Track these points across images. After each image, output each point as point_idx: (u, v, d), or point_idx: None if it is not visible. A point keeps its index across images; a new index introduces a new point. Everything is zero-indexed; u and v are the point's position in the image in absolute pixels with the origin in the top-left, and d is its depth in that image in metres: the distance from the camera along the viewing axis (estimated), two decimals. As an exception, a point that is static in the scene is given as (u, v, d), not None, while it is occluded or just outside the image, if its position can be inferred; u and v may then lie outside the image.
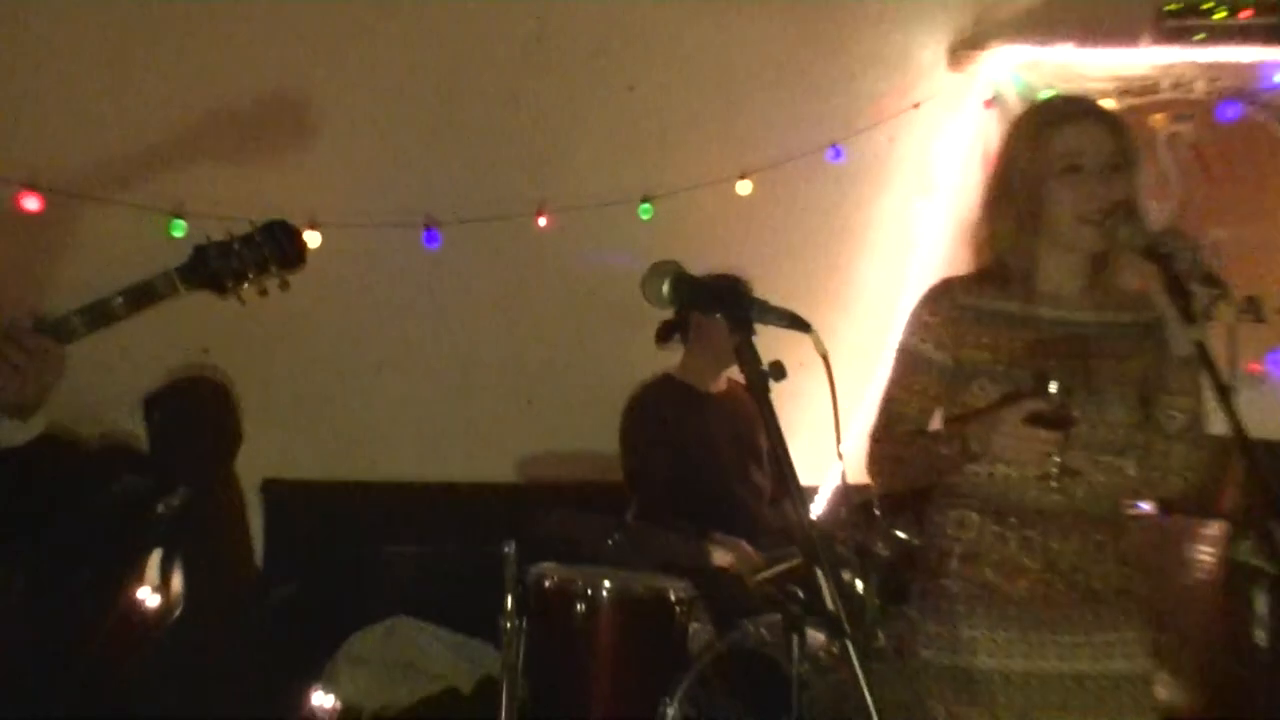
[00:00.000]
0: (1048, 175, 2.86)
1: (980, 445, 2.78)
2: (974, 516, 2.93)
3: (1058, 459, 2.76)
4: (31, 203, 5.19)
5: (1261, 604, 2.80)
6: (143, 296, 2.84)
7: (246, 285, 2.95)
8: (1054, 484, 2.83)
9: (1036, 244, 2.92)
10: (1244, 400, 3.06)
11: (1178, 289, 2.66)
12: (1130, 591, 2.95)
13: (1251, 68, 5.84)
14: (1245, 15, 5.77)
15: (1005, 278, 2.96)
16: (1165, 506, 5.45)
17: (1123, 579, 2.94)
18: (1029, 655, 2.88)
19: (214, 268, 2.90)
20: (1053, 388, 2.72)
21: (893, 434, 3.03)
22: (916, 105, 6.07)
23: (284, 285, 3.00)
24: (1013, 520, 2.90)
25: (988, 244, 3.01)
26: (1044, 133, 2.90)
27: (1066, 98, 3.25)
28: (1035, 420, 2.70)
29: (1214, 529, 5.67)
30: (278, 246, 2.94)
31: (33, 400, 2.86)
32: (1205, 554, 5.75)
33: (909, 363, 3.01)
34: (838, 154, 5.98)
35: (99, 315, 2.84)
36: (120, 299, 2.83)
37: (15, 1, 5.14)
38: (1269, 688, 2.77)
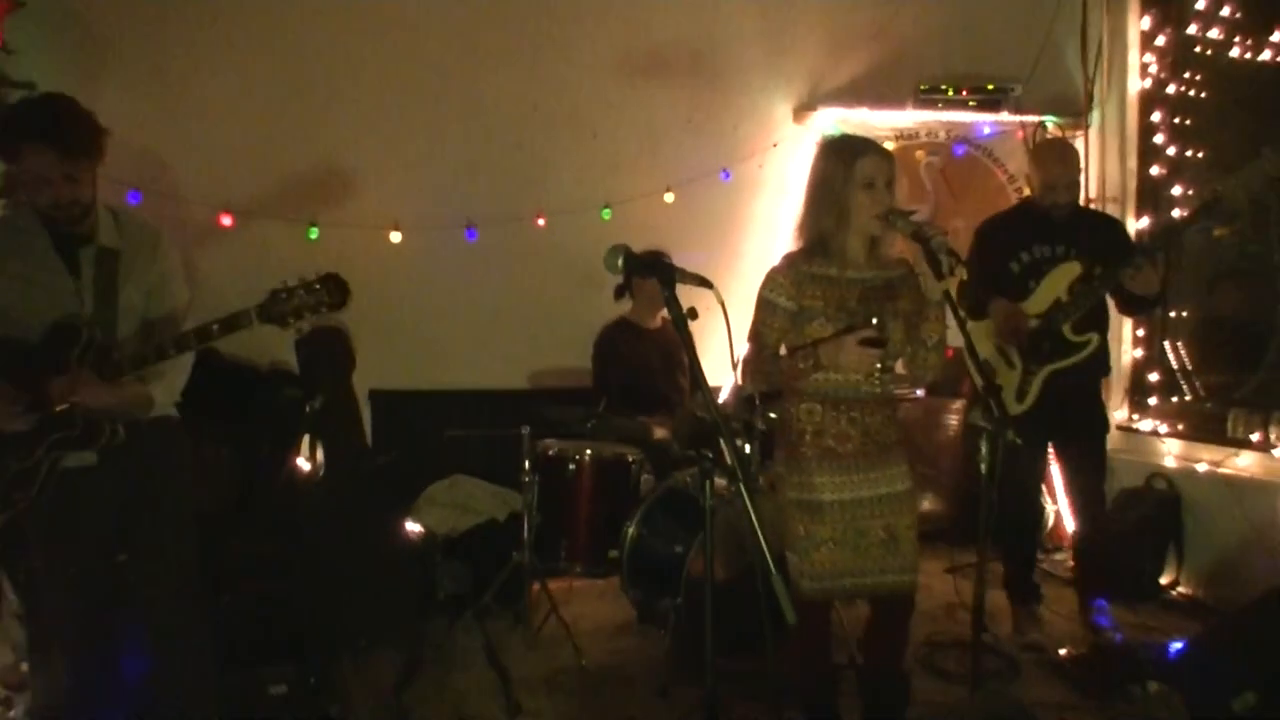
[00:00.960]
0: (854, 189, 2.94)
1: (829, 359, 2.89)
2: (818, 407, 3.02)
3: (879, 365, 2.93)
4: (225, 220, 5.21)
5: (983, 449, 3.00)
6: (230, 325, 2.76)
7: (303, 320, 2.78)
8: (877, 380, 2.97)
9: (845, 230, 2.99)
10: (969, 326, 3.31)
11: (932, 258, 2.82)
12: (900, 442, 3.10)
13: (970, 124, 6.07)
14: (966, 94, 5.96)
15: (825, 252, 3.02)
16: (929, 391, 5.60)
17: (898, 434, 3.10)
18: (853, 488, 3.00)
19: (281, 308, 2.74)
20: (874, 322, 2.88)
21: (759, 356, 3.06)
22: (775, 144, 6.11)
23: (329, 320, 2.84)
24: (842, 406, 3.00)
25: (812, 231, 3.05)
26: (852, 161, 2.95)
27: (859, 137, 3.18)
28: (866, 342, 2.86)
29: (958, 404, 5.85)
30: (330, 294, 2.76)
31: (129, 414, 2.85)
32: (953, 420, 5.94)
33: (769, 309, 3.04)
34: (727, 175, 6.02)
35: (202, 336, 2.78)
36: (215, 326, 2.77)
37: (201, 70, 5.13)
38: (988, 501, 2.98)
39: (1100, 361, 4.38)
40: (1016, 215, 4.65)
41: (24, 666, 3.66)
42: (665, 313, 4.57)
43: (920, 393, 5.68)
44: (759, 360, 3.07)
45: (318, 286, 2.74)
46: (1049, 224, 4.33)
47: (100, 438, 2.82)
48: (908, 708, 3.16)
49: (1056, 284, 4.22)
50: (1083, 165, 4.61)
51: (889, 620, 3.15)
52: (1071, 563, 5.28)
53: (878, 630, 3.20)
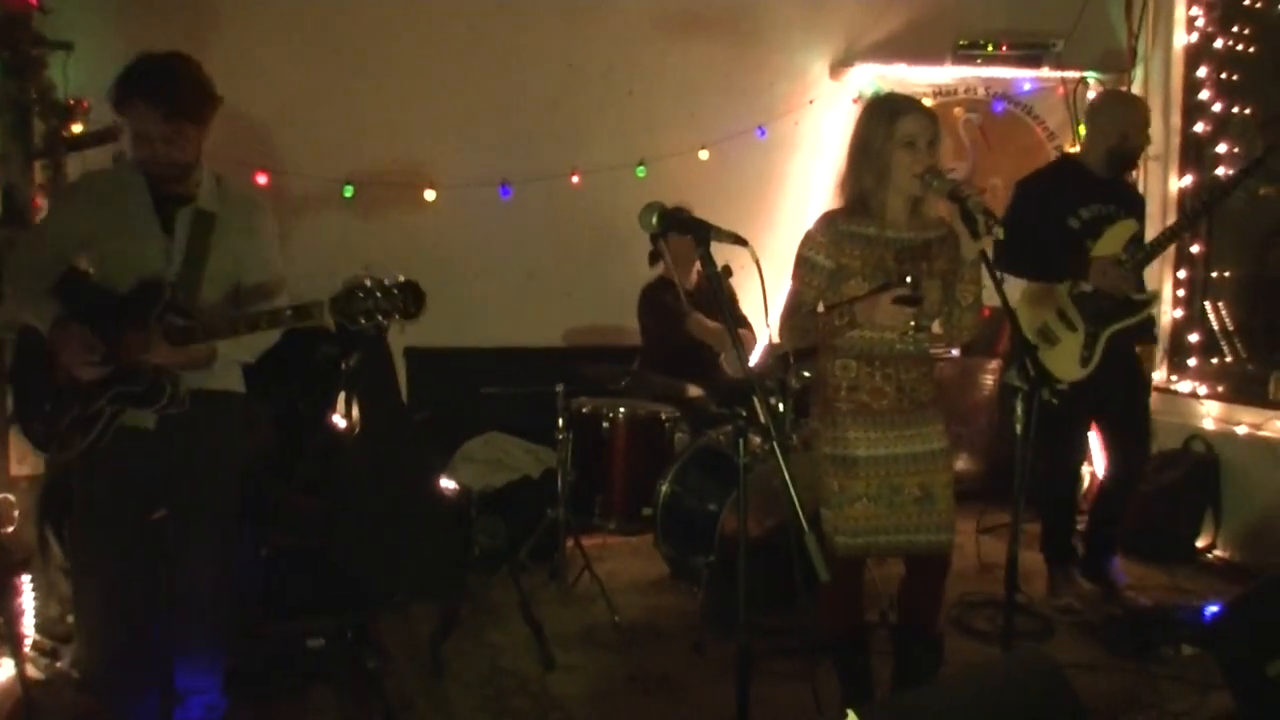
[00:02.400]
0: (895, 148, 2.90)
1: (864, 317, 2.87)
2: (853, 363, 3.00)
3: (913, 323, 2.90)
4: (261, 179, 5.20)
5: (1019, 409, 2.98)
6: (302, 314, 2.75)
7: (373, 321, 2.66)
8: (911, 338, 2.94)
9: (885, 189, 2.95)
10: (1006, 285, 3.27)
11: (968, 218, 2.80)
12: (937, 401, 3.07)
13: (1010, 80, 6.02)
14: (1005, 48, 5.89)
15: (866, 210, 2.98)
16: (964, 350, 5.50)
17: (934, 392, 3.07)
18: (888, 445, 2.98)
19: (355, 306, 2.64)
20: (909, 280, 2.85)
21: (797, 313, 3.05)
22: (811, 101, 6.11)
23: (400, 329, 2.77)
24: (877, 363, 2.98)
25: (853, 190, 3.02)
26: (892, 120, 2.91)
27: (902, 96, 3.13)
28: (901, 300, 2.83)
29: (993, 364, 5.84)
30: (405, 301, 2.65)
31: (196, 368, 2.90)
32: (989, 379, 5.93)
33: (807, 267, 3.02)
34: (763, 133, 6.02)
35: (273, 318, 2.78)
36: (289, 311, 2.77)
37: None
38: (1022, 460, 2.97)
39: (1147, 326, 4.35)
40: (1061, 172, 4.57)
41: (70, 619, 3.74)
42: (699, 268, 4.57)
43: (955, 352, 5.65)
44: (796, 317, 3.06)
45: (395, 292, 2.65)
46: (1094, 181, 4.27)
47: (160, 398, 2.86)
48: (940, 667, 3.17)
49: (1114, 241, 4.14)
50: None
51: (924, 580, 3.15)
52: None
53: (912, 589, 3.19)
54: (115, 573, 2.95)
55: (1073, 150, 5.74)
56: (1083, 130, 5.81)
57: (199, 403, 2.94)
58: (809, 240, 3.06)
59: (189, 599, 2.93)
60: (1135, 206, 4.21)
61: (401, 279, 2.67)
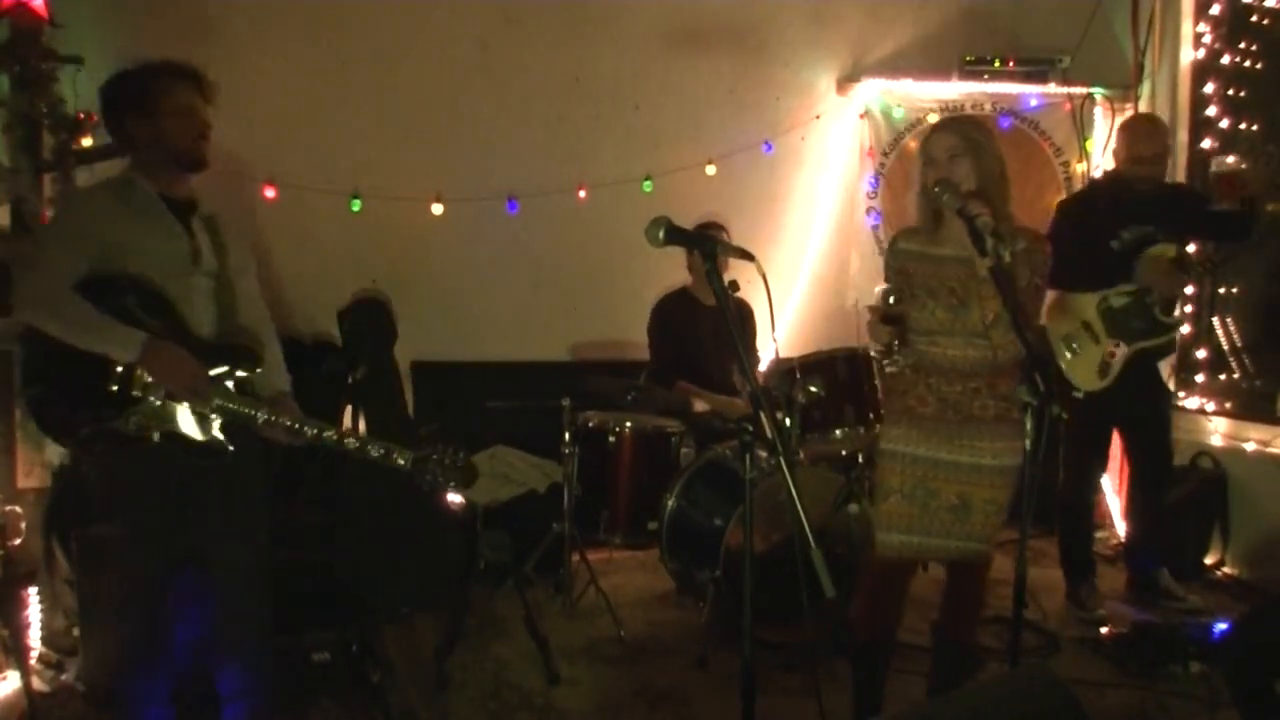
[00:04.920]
0: (924, 167, 2.98)
1: (868, 333, 2.99)
2: (908, 371, 3.03)
3: (895, 341, 2.92)
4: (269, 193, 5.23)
5: (1028, 422, 2.97)
6: (384, 457, 2.89)
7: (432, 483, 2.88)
8: (895, 356, 2.94)
9: (926, 210, 3.00)
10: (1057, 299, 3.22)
11: (976, 237, 2.76)
12: (1003, 418, 2.96)
13: (1016, 95, 6.01)
14: (1012, 65, 5.91)
15: (927, 231, 3.03)
16: None
17: (1000, 410, 2.97)
18: (927, 448, 2.99)
19: (429, 475, 2.87)
20: (891, 299, 2.88)
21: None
22: (818, 116, 6.12)
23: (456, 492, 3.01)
24: (922, 373, 3.00)
25: (918, 216, 3.06)
26: (924, 144, 3.03)
27: (949, 118, 3.32)
28: (884, 319, 2.90)
29: None
30: (463, 477, 2.90)
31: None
32: None
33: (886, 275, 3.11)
34: (769, 148, 6.03)
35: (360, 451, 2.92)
36: (376, 449, 2.91)
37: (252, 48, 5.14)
38: (1031, 477, 2.95)
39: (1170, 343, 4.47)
40: (1105, 191, 4.63)
41: (75, 631, 3.75)
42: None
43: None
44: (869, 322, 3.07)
45: (461, 464, 2.90)
46: (1137, 201, 4.32)
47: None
48: (973, 678, 3.14)
49: (1153, 265, 4.21)
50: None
51: (959, 588, 3.17)
52: (1114, 540, 5.27)
53: (949, 597, 3.22)
54: (140, 582, 2.97)
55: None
56: (1090, 146, 5.89)
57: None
58: (887, 253, 3.17)
59: (232, 601, 3.03)
60: (1176, 223, 4.29)
61: (464, 457, 2.92)
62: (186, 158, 2.92)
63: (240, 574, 3.07)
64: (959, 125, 3.07)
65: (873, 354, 3.17)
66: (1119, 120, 5.33)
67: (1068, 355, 4.38)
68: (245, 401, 2.91)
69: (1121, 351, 4.28)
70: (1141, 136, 4.38)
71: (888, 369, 3.07)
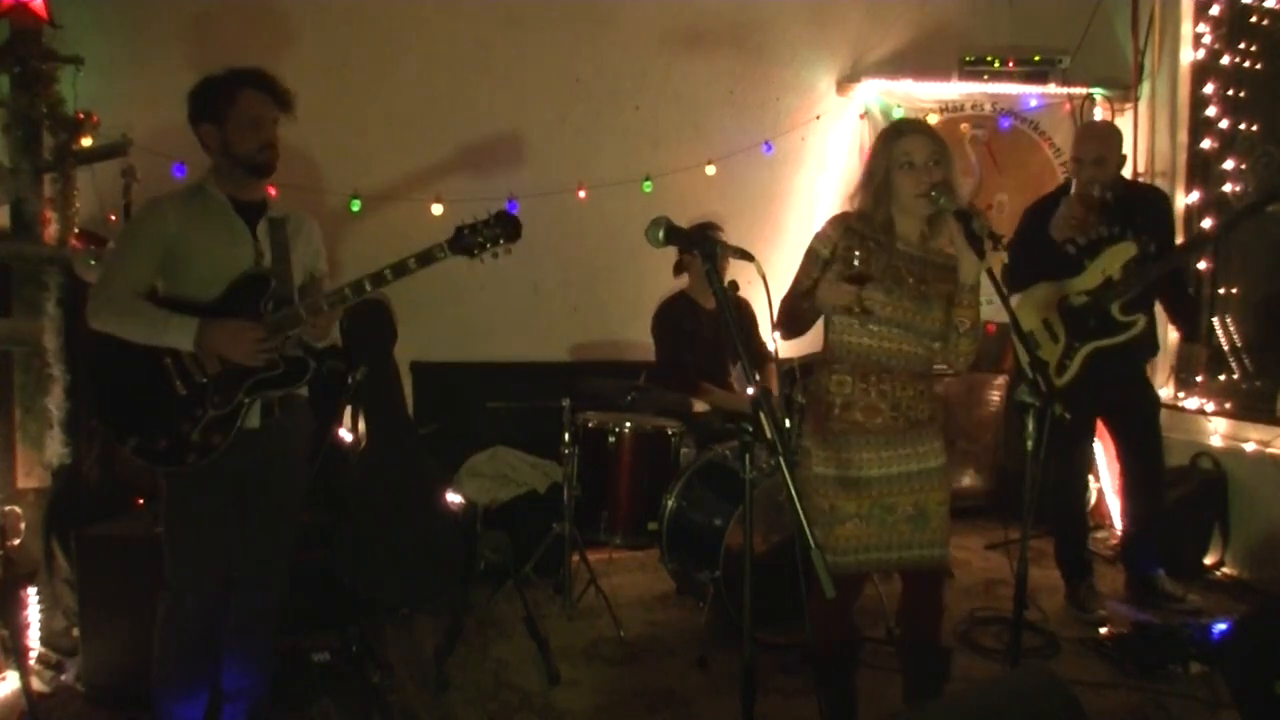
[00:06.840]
0: (893, 168, 2.91)
1: (820, 297, 2.86)
2: (848, 379, 2.96)
3: (860, 300, 2.80)
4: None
5: (1029, 425, 2.97)
6: (426, 258, 2.99)
7: (486, 251, 3.04)
8: (856, 311, 2.84)
9: (890, 208, 2.95)
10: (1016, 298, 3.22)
11: (974, 239, 2.76)
12: (935, 419, 3.02)
13: (1016, 96, 6.03)
14: (1012, 65, 5.92)
15: (871, 226, 2.96)
16: (971, 366, 5.60)
17: (932, 411, 3.02)
18: (882, 465, 2.94)
19: (467, 241, 3.01)
20: (855, 260, 2.79)
21: (786, 297, 3.04)
22: (818, 117, 6.14)
23: (508, 251, 3.08)
24: (873, 379, 2.95)
25: (860, 208, 3.00)
26: (892, 141, 2.94)
27: (909, 119, 3.23)
28: (848, 279, 2.79)
29: (999, 380, 5.85)
30: (506, 228, 3.04)
31: (324, 338, 3.14)
32: (995, 396, 5.90)
33: (811, 258, 2.99)
34: (769, 148, 6.04)
35: (399, 270, 2.99)
36: (412, 260, 2.98)
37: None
38: (1032, 478, 2.96)
39: (1147, 342, 4.40)
40: (1060, 196, 4.56)
41: (75, 631, 3.75)
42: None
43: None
44: (784, 300, 3.05)
45: (492, 222, 3.03)
46: (1102, 203, 4.28)
47: (305, 374, 3.06)
48: (949, 678, 3.15)
49: (1111, 262, 4.23)
50: (1126, 143, 4.58)
51: (920, 593, 3.14)
52: (1114, 541, 5.27)
53: (911, 603, 3.18)
54: (204, 570, 3.03)
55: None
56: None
57: (289, 407, 3.12)
58: (819, 234, 3.05)
59: (250, 597, 3.12)
60: (1145, 226, 4.24)
61: (494, 211, 3.07)
62: (251, 165, 3.01)
63: (266, 570, 3.14)
64: (931, 131, 3.04)
65: (831, 318, 3.02)
66: (1118, 120, 5.34)
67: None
68: (287, 319, 2.99)
69: (1078, 350, 4.30)
70: (1082, 139, 4.40)
71: (832, 378, 2.99)
